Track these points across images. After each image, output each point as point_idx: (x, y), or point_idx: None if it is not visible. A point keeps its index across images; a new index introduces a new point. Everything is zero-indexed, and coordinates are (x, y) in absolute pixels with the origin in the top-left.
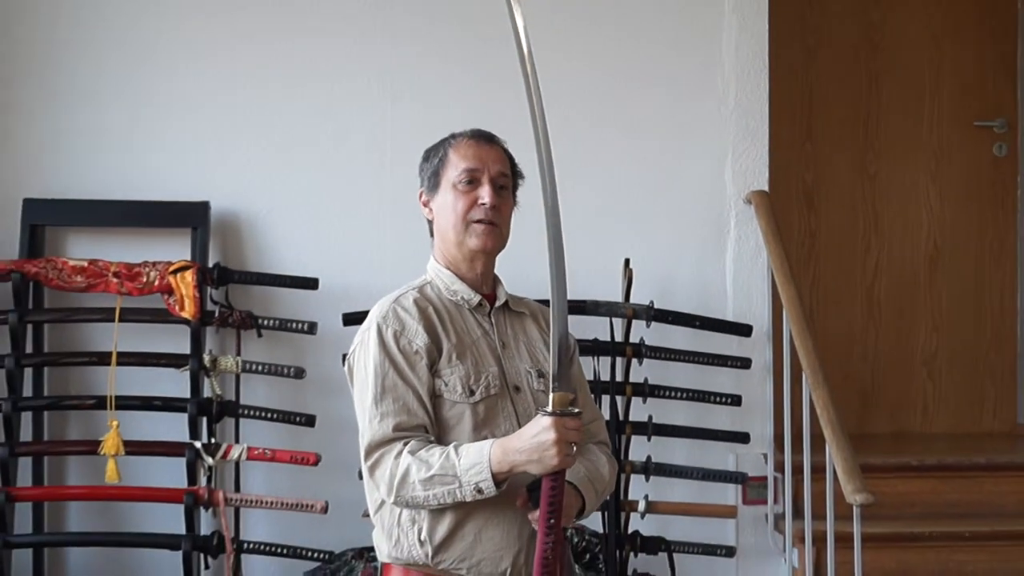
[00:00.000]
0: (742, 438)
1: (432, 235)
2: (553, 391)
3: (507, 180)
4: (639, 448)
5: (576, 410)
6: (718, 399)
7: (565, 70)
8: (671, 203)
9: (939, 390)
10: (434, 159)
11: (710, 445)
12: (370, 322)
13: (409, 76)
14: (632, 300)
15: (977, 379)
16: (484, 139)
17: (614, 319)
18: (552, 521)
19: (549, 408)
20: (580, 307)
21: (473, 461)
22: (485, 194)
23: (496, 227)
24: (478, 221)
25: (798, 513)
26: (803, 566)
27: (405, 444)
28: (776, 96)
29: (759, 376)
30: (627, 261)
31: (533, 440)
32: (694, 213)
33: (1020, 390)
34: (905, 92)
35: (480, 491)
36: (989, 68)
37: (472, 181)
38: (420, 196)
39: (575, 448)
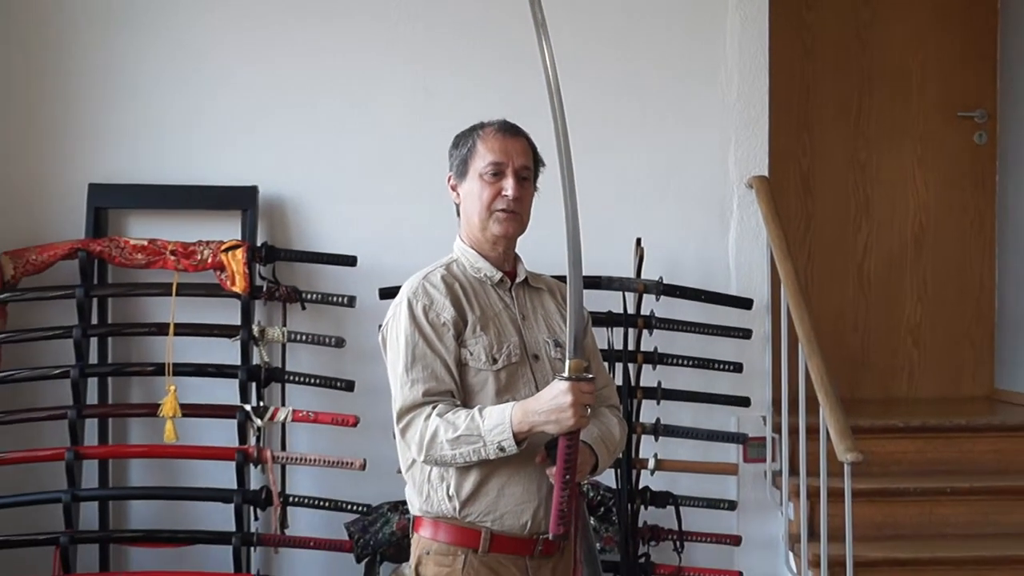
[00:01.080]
0: (743, 402)
1: (459, 216)
2: (569, 358)
3: (529, 172)
4: (649, 411)
5: (590, 376)
6: (721, 366)
7: (581, 66)
8: (679, 187)
9: (923, 358)
10: (463, 148)
11: (714, 408)
12: (402, 297)
13: (440, 70)
14: (643, 276)
15: (958, 348)
16: (510, 132)
17: (626, 293)
18: (567, 477)
19: (566, 374)
20: (595, 282)
21: (496, 422)
22: (509, 187)
23: (517, 215)
24: (501, 210)
25: (794, 470)
26: (798, 519)
27: (434, 408)
28: (775, 89)
29: (759, 345)
30: (638, 240)
31: (551, 403)
32: (700, 196)
33: (997, 358)
34: (893, 85)
35: (503, 449)
36: (971, 63)
37: (497, 173)
38: (448, 180)
39: (589, 410)
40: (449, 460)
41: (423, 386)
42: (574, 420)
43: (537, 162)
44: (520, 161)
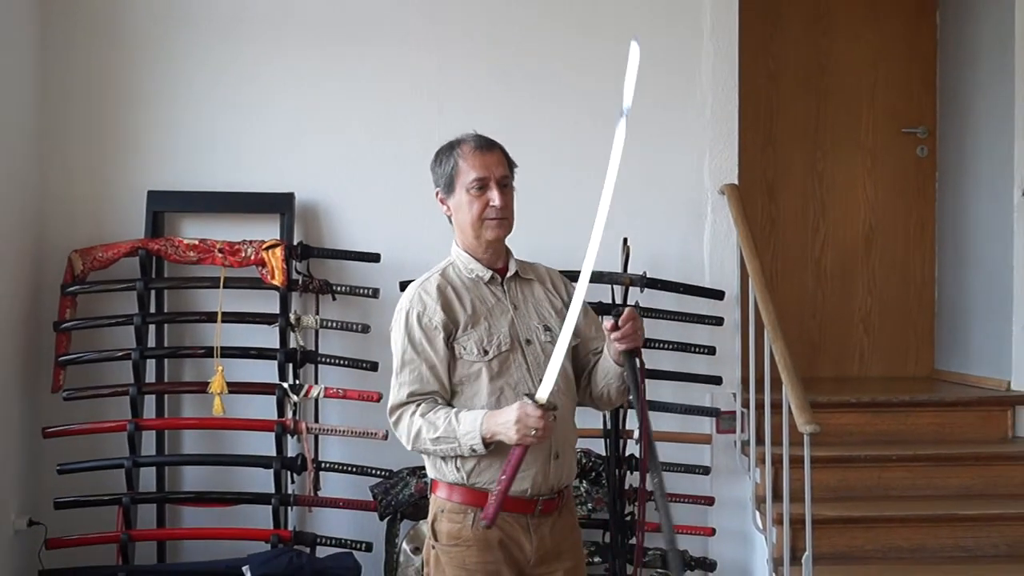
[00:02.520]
0: (716, 380)
1: (451, 224)
2: (540, 393)
3: (508, 179)
4: None
5: (552, 410)
6: (697, 349)
7: (574, 91)
8: (660, 193)
9: (872, 342)
10: (446, 165)
11: (690, 386)
12: (401, 304)
13: (453, 87)
14: (629, 271)
15: (902, 333)
16: (486, 147)
17: (615, 286)
18: (504, 478)
19: (533, 398)
20: None
21: (468, 428)
22: (495, 197)
23: (505, 219)
24: (491, 219)
25: (760, 440)
26: (764, 482)
27: (417, 406)
28: (744, 108)
29: (730, 331)
30: (625, 240)
31: (509, 420)
32: (678, 201)
33: (936, 342)
34: (847, 104)
35: (474, 450)
36: (914, 86)
37: (482, 187)
38: (437, 195)
39: (535, 434)
40: (432, 453)
41: (408, 388)
42: (518, 437)
43: (511, 166)
44: (499, 172)
